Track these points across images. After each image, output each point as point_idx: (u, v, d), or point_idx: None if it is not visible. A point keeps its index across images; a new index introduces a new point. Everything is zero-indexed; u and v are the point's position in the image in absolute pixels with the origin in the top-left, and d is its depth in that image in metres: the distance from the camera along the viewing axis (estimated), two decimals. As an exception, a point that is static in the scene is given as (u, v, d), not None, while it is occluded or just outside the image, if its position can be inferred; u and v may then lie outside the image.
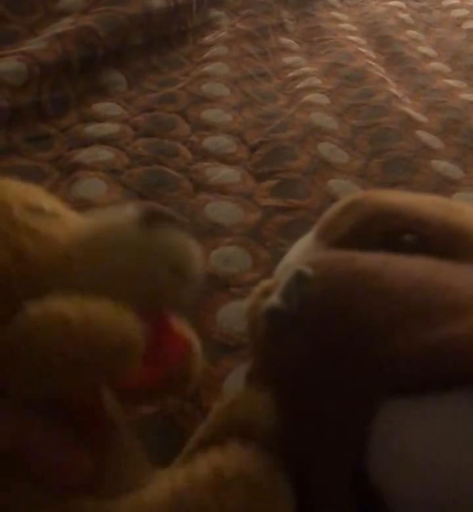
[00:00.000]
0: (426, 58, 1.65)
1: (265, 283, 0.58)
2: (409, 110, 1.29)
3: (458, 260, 0.48)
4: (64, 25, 1.26)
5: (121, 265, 0.46)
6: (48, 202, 0.51)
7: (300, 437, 0.49)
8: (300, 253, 0.61)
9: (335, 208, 0.59)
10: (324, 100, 1.31)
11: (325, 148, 1.15)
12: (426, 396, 0.42)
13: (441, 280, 0.46)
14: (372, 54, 1.61)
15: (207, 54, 1.45)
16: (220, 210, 0.99)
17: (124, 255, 0.46)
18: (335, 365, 0.45)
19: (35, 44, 1.16)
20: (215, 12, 1.62)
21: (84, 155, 1.05)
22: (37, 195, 0.51)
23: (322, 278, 0.48)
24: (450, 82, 1.51)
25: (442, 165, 1.12)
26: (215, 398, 0.70)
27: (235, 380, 0.71)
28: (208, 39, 1.53)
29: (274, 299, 0.50)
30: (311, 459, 0.48)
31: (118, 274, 0.46)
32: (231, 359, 0.74)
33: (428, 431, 0.42)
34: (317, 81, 1.39)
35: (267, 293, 0.55)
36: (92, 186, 0.98)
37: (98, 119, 1.17)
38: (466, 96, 1.44)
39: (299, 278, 0.49)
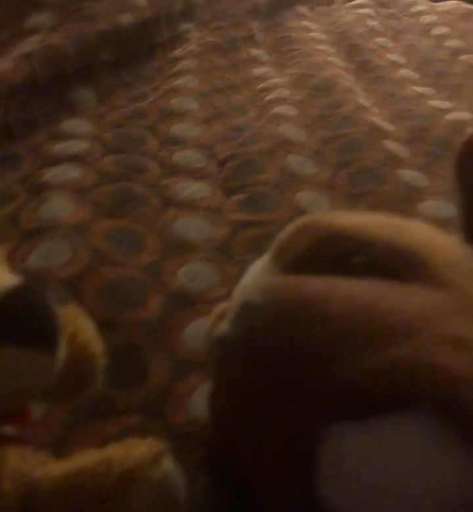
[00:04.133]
0: (395, 65, 1.67)
1: (223, 305, 0.59)
2: (376, 120, 1.31)
3: (405, 281, 0.49)
4: (31, 43, 1.26)
5: None
6: None
7: (252, 464, 0.49)
8: (256, 274, 0.61)
9: (288, 230, 0.59)
10: (293, 111, 1.32)
11: (294, 160, 1.16)
12: (372, 419, 0.43)
13: (387, 303, 0.47)
14: (341, 63, 1.62)
15: (176, 68, 1.46)
16: (189, 226, 0.99)
17: None
18: (281, 391, 0.46)
19: (1, 64, 1.16)
20: (184, 26, 1.62)
21: (52, 174, 1.05)
22: None
23: (270, 304, 0.48)
24: (419, 89, 1.53)
25: (409, 174, 1.14)
26: (181, 414, 0.71)
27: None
28: (178, 52, 1.54)
29: (223, 326, 0.51)
30: (266, 485, 0.48)
31: None
32: (198, 376, 0.75)
33: (374, 454, 0.43)
34: (286, 92, 1.40)
35: (223, 316, 0.56)
36: (60, 205, 0.98)
37: (68, 136, 1.17)
38: (433, 103, 1.46)
39: (246, 305, 0.49)
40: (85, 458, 0.54)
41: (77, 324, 0.56)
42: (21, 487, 0.50)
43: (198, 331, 0.81)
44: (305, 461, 0.43)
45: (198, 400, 0.71)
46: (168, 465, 0.53)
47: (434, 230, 0.59)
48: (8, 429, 0.53)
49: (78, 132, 1.20)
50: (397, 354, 0.42)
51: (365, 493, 0.43)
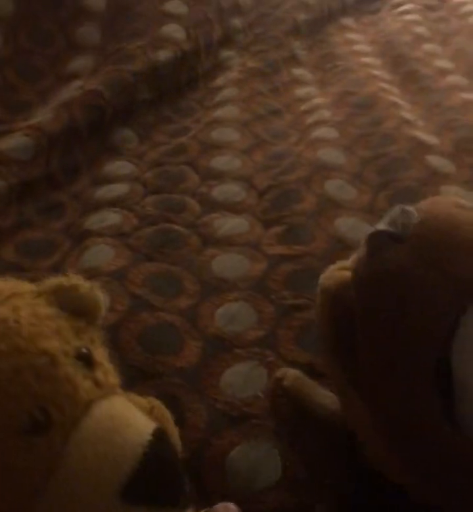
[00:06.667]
0: (443, 72, 1.62)
1: (342, 262, 0.65)
2: (420, 134, 1.28)
3: None
4: (71, 90, 1.29)
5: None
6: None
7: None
8: None
9: None
10: (332, 134, 1.31)
11: (332, 186, 1.15)
12: None
13: None
14: (386, 76, 1.59)
15: (217, 98, 1.46)
16: (226, 264, 0.99)
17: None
18: (433, 271, 0.53)
19: (41, 116, 1.20)
20: (225, 53, 1.62)
21: (93, 221, 1.07)
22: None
23: (424, 209, 0.58)
24: (467, 96, 1.48)
25: (452, 191, 1.11)
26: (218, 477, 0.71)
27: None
28: (219, 81, 1.54)
29: (379, 225, 0.58)
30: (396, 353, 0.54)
31: None
32: (235, 432, 0.74)
33: None
34: (327, 114, 1.39)
35: (343, 268, 0.62)
36: (100, 253, 1.00)
37: (109, 180, 1.19)
38: (482, 110, 1.41)
39: (403, 210, 0.57)
40: None
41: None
42: None
43: (235, 378, 0.81)
44: (444, 331, 0.51)
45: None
46: None
47: None
48: None
49: (120, 174, 1.22)
50: None
51: None
